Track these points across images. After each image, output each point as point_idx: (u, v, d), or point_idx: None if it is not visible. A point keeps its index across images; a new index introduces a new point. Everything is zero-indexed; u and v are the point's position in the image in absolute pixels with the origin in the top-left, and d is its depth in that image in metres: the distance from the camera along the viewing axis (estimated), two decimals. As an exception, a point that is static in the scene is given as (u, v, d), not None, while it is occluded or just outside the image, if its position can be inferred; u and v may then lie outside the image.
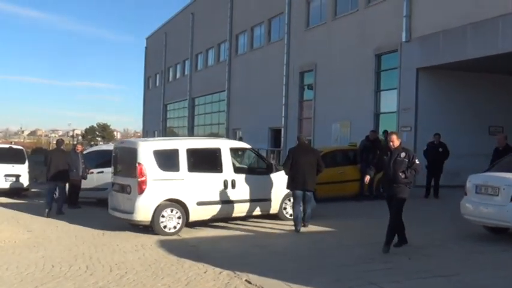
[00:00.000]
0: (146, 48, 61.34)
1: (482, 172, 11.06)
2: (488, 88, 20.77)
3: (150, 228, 11.66)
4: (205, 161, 12.47)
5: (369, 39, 22.56)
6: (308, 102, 27.58)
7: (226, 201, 12.32)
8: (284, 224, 12.56)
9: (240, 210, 12.63)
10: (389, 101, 21.81)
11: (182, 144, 12.20)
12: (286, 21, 29.24)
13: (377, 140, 17.94)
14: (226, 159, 12.43)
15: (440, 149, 17.24)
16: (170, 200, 11.71)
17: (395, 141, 9.44)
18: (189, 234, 11.77)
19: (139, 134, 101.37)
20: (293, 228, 11.77)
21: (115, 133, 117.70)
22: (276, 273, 7.94)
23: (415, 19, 20.23)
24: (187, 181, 11.88)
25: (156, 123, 54.61)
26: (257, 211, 12.91)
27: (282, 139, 29.37)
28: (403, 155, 9.33)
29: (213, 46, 40.77)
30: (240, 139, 29.50)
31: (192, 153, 12.10)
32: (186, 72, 46.77)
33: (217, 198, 12.24)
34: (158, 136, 52.02)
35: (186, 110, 46.55)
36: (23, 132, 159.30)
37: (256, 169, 13.38)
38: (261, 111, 31.78)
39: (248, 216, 12.92)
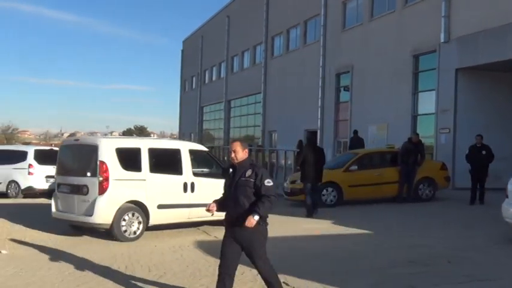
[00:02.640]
0: (183, 51, 61.91)
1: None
2: (530, 88, 20.32)
3: (103, 231, 11.14)
4: (165, 162, 11.89)
5: (407, 40, 22.31)
6: (344, 104, 27.42)
7: (185, 205, 11.78)
8: (320, 228, 12.49)
9: (198, 214, 11.89)
10: (427, 103, 21.53)
11: (144, 143, 11.65)
12: (322, 23, 29.14)
13: (420, 143, 17.78)
14: (186, 162, 11.93)
15: (484, 152, 16.11)
16: (132, 201, 11.07)
17: (238, 153, 6.22)
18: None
19: (175, 136, 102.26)
20: (330, 232, 11.73)
21: (152, 135, 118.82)
22: (313, 275, 7.89)
23: (454, 19, 19.91)
24: (149, 182, 11.28)
25: (192, 126, 55.04)
26: (214, 216, 12.51)
27: (318, 141, 29.25)
28: (248, 173, 6.13)
29: (248, 48, 40.89)
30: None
31: (154, 153, 11.53)
32: (222, 75, 47.01)
33: (177, 201, 11.67)
34: (195, 139, 52.45)
35: (222, 112, 46.78)
36: (62, 134, 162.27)
37: (212, 173, 12.66)
38: (297, 113, 31.71)
39: (203, 222, 12.46)
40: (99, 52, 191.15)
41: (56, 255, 9.63)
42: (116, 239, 10.81)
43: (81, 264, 8.81)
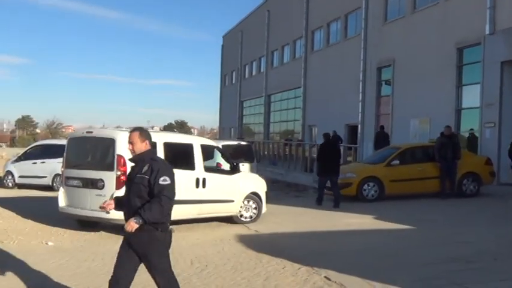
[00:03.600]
0: (223, 46, 62.17)
1: None
2: None
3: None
4: (179, 156, 11.71)
5: (450, 33, 21.85)
6: (386, 98, 27.07)
7: (196, 201, 11.74)
8: (362, 223, 12.38)
9: (208, 211, 12.10)
10: (471, 96, 21.04)
11: (159, 137, 11.44)
12: (363, 16, 28.80)
13: (453, 135, 17.38)
14: (198, 157, 11.88)
15: None
16: None
17: (136, 145, 5.43)
18: (266, 229, 11.83)
19: (215, 131, 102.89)
20: (372, 227, 11.63)
21: (192, 130, 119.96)
22: (356, 270, 7.81)
23: (500, 10, 19.39)
24: None
25: (232, 120, 55.24)
26: (221, 212, 12.49)
27: (359, 136, 28.98)
28: (145, 168, 5.28)
29: (288, 43, 40.76)
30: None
31: (168, 148, 11.36)
32: (262, 69, 47.02)
33: (189, 197, 11.53)
34: (235, 134, 52.66)
35: (262, 106, 46.81)
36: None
37: (222, 169, 12.93)
38: (337, 108, 31.49)
39: (211, 219, 12.45)
40: (142, 48, 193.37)
41: (99, 247, 9.81)
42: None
43: (125, 256, 8.91)
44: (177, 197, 10.93)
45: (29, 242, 10.07)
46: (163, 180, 5.17)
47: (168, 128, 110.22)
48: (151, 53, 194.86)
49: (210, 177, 11.94)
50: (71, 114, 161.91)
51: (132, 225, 5.05)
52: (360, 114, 28.93)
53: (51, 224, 11.86)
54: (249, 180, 13.26)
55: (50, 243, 9.97)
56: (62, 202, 11.57)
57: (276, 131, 44.94)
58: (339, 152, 16.48)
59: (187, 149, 11.83)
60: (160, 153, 11.00)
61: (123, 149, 10.40)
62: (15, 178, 21.49)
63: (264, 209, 13.22)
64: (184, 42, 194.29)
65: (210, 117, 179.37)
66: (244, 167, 16.84)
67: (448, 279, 7.37)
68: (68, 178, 11.51)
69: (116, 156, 10.61)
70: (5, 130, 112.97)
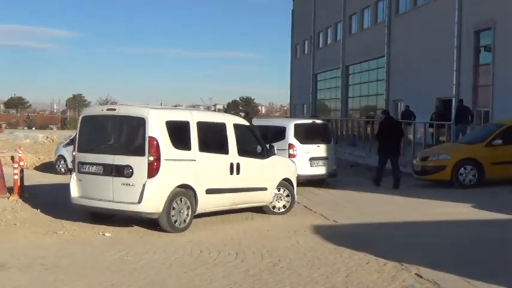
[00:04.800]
0: (293, 11, 61.85)
1: None
2: None
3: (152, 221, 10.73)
4: (213, 138, 11.59)
5: None
6: (485, 67, 26.24)
7: (231, 190, 11.56)
8: (457, 212, 12.15)
9: (242, 201, 11.92)
10: None
11: (193, 116, 11.19)
12: (457, -29, 27.94)
13: None
14: (232, 138, 11.63)
15: None
16: (182, 186, 10.67)
17: None
18: (345, 219, 11.82)
19: (285, 108, 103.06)
20: (470, 217, 11.43)
21: (259, 107, 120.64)
22: (451, 266, 7.72)
23: None
24: (198, 163, 10.90)
25: (304, 96, 55.09)
26: (254, 203, 12.30)
27: (453, 111, 28.29)
28: None
29: (369, 5, 40.10)
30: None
31: (202, 128, 11.09)
32: (338, 37, 46.52)
33: (224, 185, 11.41)
34: (308, 111, 52.53)
35: (338, 79, 46.39)
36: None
37: (254, 152, 12.47)
38: (427, 79, 30.80)
39: (243, 209, 12.30)
40: (204, 16, 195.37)
41: (160, 239, 10.09)
42: (165, 230, 10.45)
43: (189, 249, 9.16)
44: (211, 186, 11.10)
45: (84, 233, 10.47)
46: None
47: (233, 105, 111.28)
48: (214, 22, 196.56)
49: (244, 162, 11.75)
50: (127, 92, 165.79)
51: None
52: (454, 87, 28.18)
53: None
54: (281, 165, 13.06)
55: (107, 234, 10.32)
56: (74, 192, 11.14)
57: (356, 107, 44.50)
58: (400, 131, 17.49)
59: (221, 129, 11.64)
60: (194, 134, 10.87)
61: (155, 129, 10.32)
62: (68, 163, 22.29)
63: (296, 197, 13.09)
64: (251, 6, 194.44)
65: (280, 93, 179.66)
66: (320, 148, 16.82)
67: (562, 278, 7.15)
68: (82, 164, 11.04)
69: (147, 139, 10.25)
70: (55, 111, 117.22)
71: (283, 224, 11.44)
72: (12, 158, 18.74)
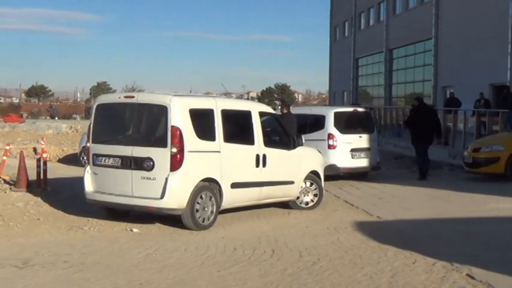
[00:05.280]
0: (332, -10, 61.48)
1: None
2: None
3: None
4: (238, 128, 11.48)
5: None
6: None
7: (257, 183, 11.48)
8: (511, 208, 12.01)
9: (267, 195, 11.83)
10: None
11: (217, 103, 11.08)
12: None
13: None
14: (257, 128, 11.54)
15: None
16: (206, 180, 10.59)
17: None
18: (390, 215, 11.77)
19: (324, 96, 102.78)
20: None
21: (296, 95, 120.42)
22: (506, 267, 7.64)
23: None
24: (223, 155, 10.82)
25: (345, 82, 54.82)
26: (280, 197, 12.23)
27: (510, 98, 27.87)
28: None
29: (415, -17, 39.71)
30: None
31: (226, 117, 10.99)
32: (381, 18, 46.14)
33: (249, 179, 11.32)
34: (348, 98, 52.27)
35: (381, 64, 46.06)
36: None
37: (281, 143, 12.42)
38: (479, 63, 30.38)
39: (267, 205, 12.23)
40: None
41: (191, 235, 10.15)
42: (188, 228, 10.41)
43: (222, 246, 9.21)
44: (236, 179, 11.05)
45: (111, 228, 10.60)
46: None
47: (267, 93, 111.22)
48: (247, 3, 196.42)
49: (270, 153, 11.70)
50: (154, 80, 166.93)
51: None
52: (508, 72, 27.77)
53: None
54: (309, 156, 12.97)
55: (135, 230, 10.43)
56: (89, 186, 11.04)
57: (400, 94, 44.12)
58: (434, 118, 17.68)
59: (246, 118, 11.56)
60: (219, 123, 10.77)
61: (178, 118, 10.20)
62: (93, 155, 22.50)
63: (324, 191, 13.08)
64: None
65: (318, 80, 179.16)
66: (362, 139, 16.74)
67: None
68: (97, 156, 10.94)
69: (169, 128, 10.13)
70: (78, 100, 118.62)
71: (322, 220, 11.43)
72: (35, 149, 19.06)
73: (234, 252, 8.85)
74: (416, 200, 13.76)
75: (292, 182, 12.25)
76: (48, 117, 73.33)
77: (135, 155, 10.37)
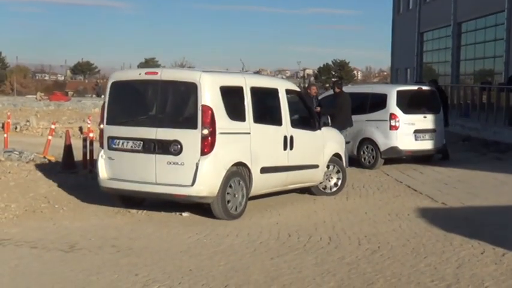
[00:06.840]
0: (395, -41, 60.68)
1: None
2: None
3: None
4: (267, 107, 11.31)
5: None
6: None
7: (284, 168, 11.25)
8: None
9: (293, 180, 11.63)
10: None
11: (246, 80, 10.79)
12: None
13: None
14: (285, 107, 11.32)
15: None
16: (237, 164, 10.28)
17: None
18: (456, 201, 11.66)
19: (385, 73, 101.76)
20: None
21: (355, 72, 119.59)
22: None
23: None
24: (253, 137, 10.54)
25: (408, 59, 54.12)
26: (305, 182, 12.02)
27: None
28: None
29: (487, -50, 38.88)
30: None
31: (256, 95, 10.72)
32: (449, -12, 45.39)
33: (278, 162, 11.09)
34: (412, 76, 51.63)
35: (449, 39, 45.31)
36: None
37: (306, 123, 12.15)
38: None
39: (290, 191, 12.06)
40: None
41: (243, 220, 10.25)
42: (218, 217, 10.12)
43: (275, 232, 9.26)
44: (265, 163, 10.85)
45: (159, 212, 10.71)
46: None
47: (325, 70, 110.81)
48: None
49: (297, 134, 11.49)
50: (204, 56, 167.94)
51: None
52: None
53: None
54: (332, 138, 12.78)
55: (184, 214, 10.54)
56: (103, 173, 10.60)
57: (469, 71, 43.38)
58: (445, 100, 18.82)
59: (274, 96, 11.37)
60: (248, 102, 10.54)
61: (209, 96, 9.87)
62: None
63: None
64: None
65: (379, 56, 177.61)
66: (427, 119, 16.55)
67: None
68: (113, 139, 10.49)
69: (200, 108, 9.79)
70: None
71: (383, 206, 11.38)
72: (81, 129, 19.45)
73: (288, 238, 8.89)
74: (484, 185, 13.56)
75: (317, 166, 12.11)
76: (94, 95, 74.45)
77: (159, 137, 10.00)
